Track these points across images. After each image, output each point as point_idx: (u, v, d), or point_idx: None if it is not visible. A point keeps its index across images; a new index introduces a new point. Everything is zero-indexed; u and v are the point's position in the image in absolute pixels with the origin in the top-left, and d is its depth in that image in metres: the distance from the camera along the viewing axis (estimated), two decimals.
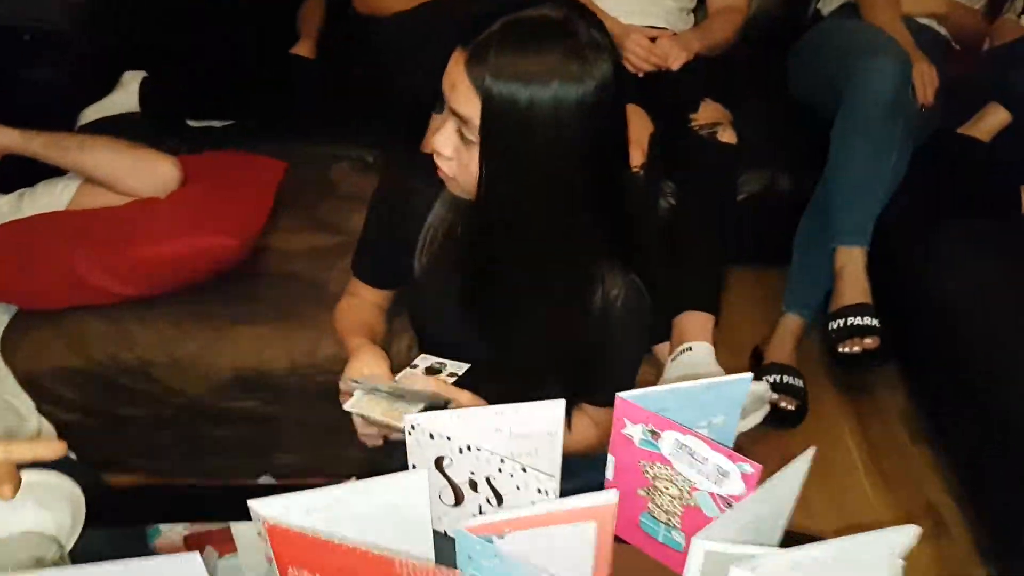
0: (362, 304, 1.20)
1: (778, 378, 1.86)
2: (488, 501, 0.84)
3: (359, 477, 1.81)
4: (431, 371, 1.04)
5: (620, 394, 0.80)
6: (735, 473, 0.76)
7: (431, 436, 0.83)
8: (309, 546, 0.61)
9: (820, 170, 1.92)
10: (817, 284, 1.89)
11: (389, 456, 0.99)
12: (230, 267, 1.50)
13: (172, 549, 0.91)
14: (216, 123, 2.03)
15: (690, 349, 1.59)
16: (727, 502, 0.79)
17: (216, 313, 1.47)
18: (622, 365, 1.08)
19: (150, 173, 1.52)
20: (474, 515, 0.87)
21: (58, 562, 0.78)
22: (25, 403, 1.44)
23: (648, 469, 0.83)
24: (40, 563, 0.78)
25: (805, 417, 1.87)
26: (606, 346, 1.03)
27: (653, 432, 0.80)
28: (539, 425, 0.87)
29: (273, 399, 1.49)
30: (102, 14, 2.08)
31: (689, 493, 0.81)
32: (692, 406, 0.83)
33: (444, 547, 0.80)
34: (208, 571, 0.74)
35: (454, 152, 0.91)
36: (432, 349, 1.16)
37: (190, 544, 0.92)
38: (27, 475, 0.93)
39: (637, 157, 1.64)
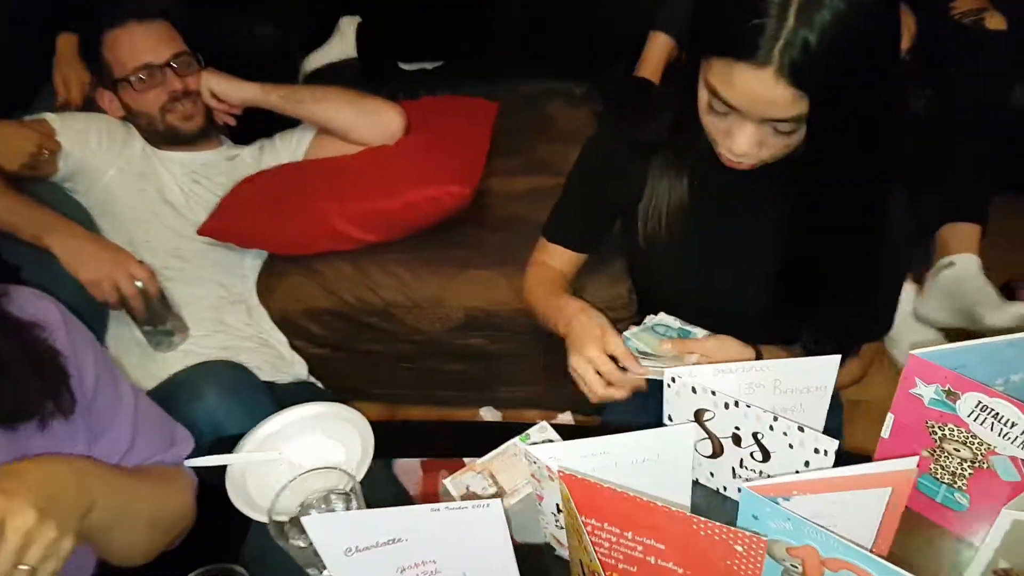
0: (553, 272, 1.15)
1: None
2: (752, 456, 0.83)
3: (574, 412, 1.84)
4: None
5: (915, 352, 0.74)
6: None
7: (693, 390, 0.82)
8: (602, 496, 0.63)
9: None
10: None
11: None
12: (458, 212, 1.56)
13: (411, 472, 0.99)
14: (428, 65, 2.08)
15: (952, 264, 1.44)
16: None
17: (447, 259, 1.55)
18: (891, 294, 1.01)
19: (379, 123, 1.59)
20: (734, 467, 0.86)
21: (349, 494, 0.85)
22: (278, 339, 1.59)
23: (936, 430, 0.77)
24: (333, 493, 0.86)
25: None
26: (885, 269, 0.96)
27: (950, 393, 0.73)
28: (809, 380, 0.83)
29: (499, 337, 1.55)
30: None
31: (984, 456, 0.75)
32: (991, 362, 0.76)
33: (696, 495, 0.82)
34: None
35: (760, 147, 0.85)
36: (660, 307, 1.14)
37: (427, 468, 1.00)
38: (316, 407, 1.04)
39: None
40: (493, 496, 0.89)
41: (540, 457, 0.77)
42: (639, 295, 1.27)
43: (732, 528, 0.59)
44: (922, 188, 0.97)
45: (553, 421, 1.71)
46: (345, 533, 0.68)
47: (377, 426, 0.99)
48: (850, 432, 1.20)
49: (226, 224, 1.55)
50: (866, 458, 0.73)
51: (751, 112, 0.80)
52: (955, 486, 0.80)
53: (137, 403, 0.86)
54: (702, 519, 0.61)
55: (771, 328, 1.00)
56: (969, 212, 1.50)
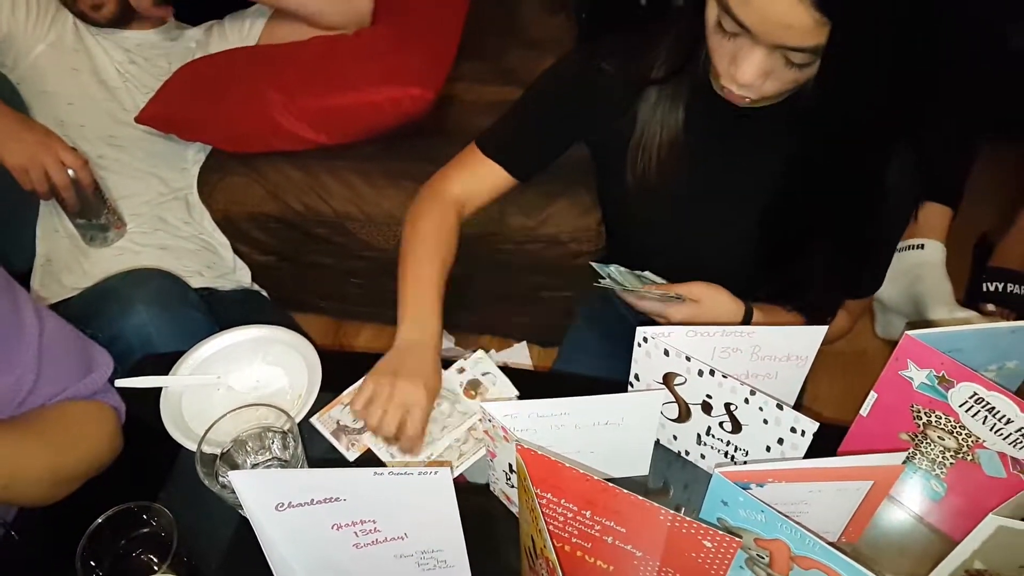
0: (450, 211, 0.98)
1: (1001, 286, 1.61)
2: (721, 425, 0.77)
3: (530, 342, 1.76)
4: None
5: (910, 333, 0.68)
6: None
7: (666, 352, 0.75)
8: (563, 475, 0.57)
9: None
10: None
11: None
12: (416, 117, 1.41)
13: None
14: None
15: (922, 247, 1.39)
16: (1021, 466, 0.67)
17: (406, 172, 1.40)
18: (888, 252, 0.94)
19: (347, 5, 1.43)
20: (699, 434, 0.80)
21: (286, 434, 0.78)
22: (220, 241, 1.47)
23: (922, 415, 0.71)
24: (269, 430, 0.79)
25: None
26: (881, 233, 0.90)
27: (943, 379, 0.67)
28: (791, 349, 0.77)
29: (457, 261, 1.44)
30: None
31: (970, 449, 0.70)
32: (986, 348, 0.71)
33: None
34: None
35: (766, 79, 0.74)
36: (636, 250, 1.06)
37: None
38: (260, 330, 0.95)
39: None
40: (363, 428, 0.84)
41: (495, 416, 0.71)
42: (613, 242, 1.19)
43: (705, 526, 0.53)
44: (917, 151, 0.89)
45: (507, 349, 1.64)
46: (277, 490, 0.61)
47: (324, 355, 0.91)
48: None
49: (165, 112, 1.39)
50: (818, 416, 0.68)
51: (763, 36, 0.68)
52: (932, 473, 0.76)
53: (42, 331, 0.75)
54: (671, 512, 0.55)
55: (754, 286, 0.93)
56: (947, 193, 1.43)
